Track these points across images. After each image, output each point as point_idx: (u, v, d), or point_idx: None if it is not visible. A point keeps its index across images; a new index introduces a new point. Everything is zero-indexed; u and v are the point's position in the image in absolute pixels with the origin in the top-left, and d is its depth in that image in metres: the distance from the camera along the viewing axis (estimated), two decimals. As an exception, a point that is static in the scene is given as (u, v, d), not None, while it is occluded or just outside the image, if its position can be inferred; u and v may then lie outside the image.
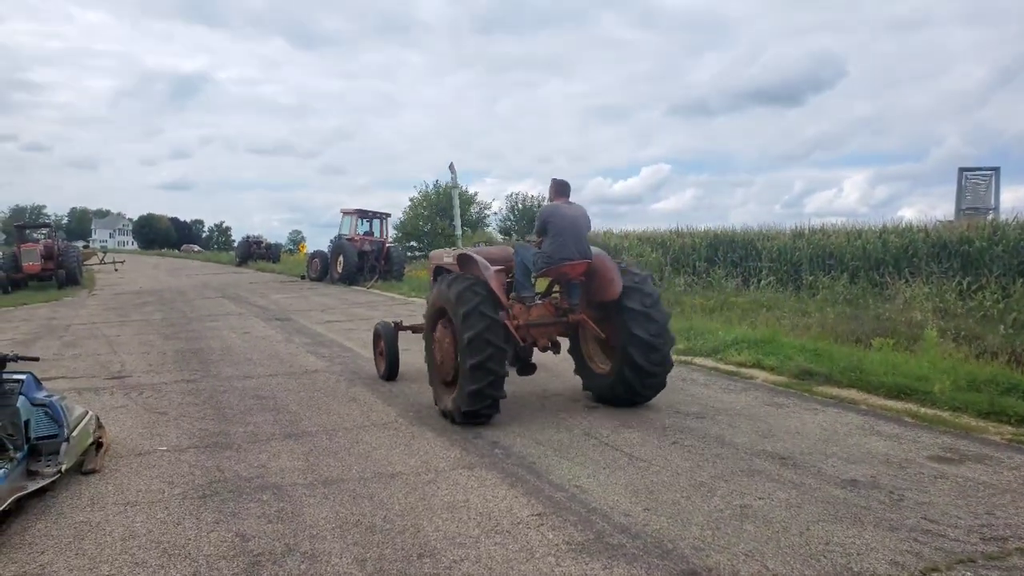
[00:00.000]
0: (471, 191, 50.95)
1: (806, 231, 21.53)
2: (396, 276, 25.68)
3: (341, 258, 25.77)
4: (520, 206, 49.52)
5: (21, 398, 5.08)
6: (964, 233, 17.37)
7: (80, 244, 45.38)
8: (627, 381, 7.03)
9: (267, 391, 8.19)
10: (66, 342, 12.52)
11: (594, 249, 7.24)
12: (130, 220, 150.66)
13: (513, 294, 7.36)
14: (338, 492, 4.92)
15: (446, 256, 8.40)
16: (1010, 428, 6.36)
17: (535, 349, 7.60)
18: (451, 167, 11.89)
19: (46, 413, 5.20)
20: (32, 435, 5.02)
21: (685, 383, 8.47)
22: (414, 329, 8.89)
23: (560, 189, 7.42)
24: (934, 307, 13.97)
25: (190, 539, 4.20)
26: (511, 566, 3.82)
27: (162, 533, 4.29)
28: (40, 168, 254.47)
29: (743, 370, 9.16)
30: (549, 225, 7.04)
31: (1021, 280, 15.20)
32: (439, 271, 8.26)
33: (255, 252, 44.04)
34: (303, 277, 28.92)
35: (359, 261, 25.60)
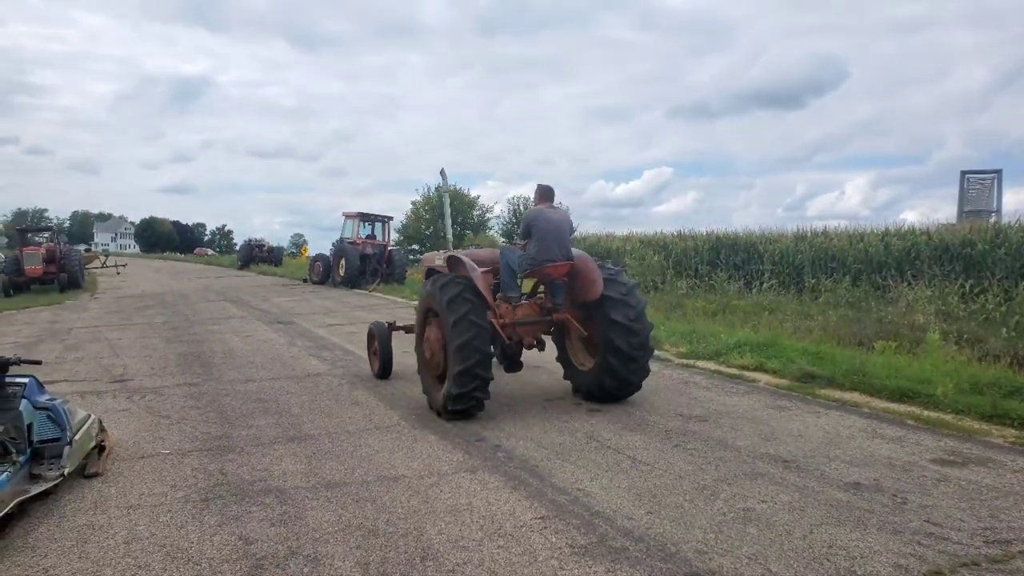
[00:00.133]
0: (473, 194, 51.05)
1: (808, 234, 21.53)
2: (398, 279, 25.70)
3: (343, 261, 25.78)
4: (522, 209, 49.57)
5: (24, 401, 5.08)
6: (966, 236, 17.36)
7: (82, 247, 45.49)
8: (611, 368, 7.29)
9: (269, 394, 8.20)
10: (68, 345, 12.54)
11: (576, 251, 7.55)
12: (132, 223, 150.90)
13: (500, 294, 7.67)
14: (341, 495, 4.92)
15: (437, 258, 8.62)
16: (1013, 431, 6.35)
17: (526, 349, 7.98)
18: (442, 172, 12.20)
19: (49, 417, 5.21)
20: (35, 439, 5.03)
21: (687, 386, 8.47)
22: (407, 329, 9.10)
23: (544, 194, 7.74)
24: (936, 310, 13.96)
25: (193, 542, 4.20)
26: (514, 569, 3.82)
27: (165, 536, 4.29)
28: (42, 171, 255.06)
29: (745, 373, 9.15)
30: (533, 228, 7.34)
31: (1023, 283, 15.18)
32: (431, 272, 8.45)
33: (257, 255, 44.04)
34: (305, 280, 28.93)
35: (361, 264, 25.61)
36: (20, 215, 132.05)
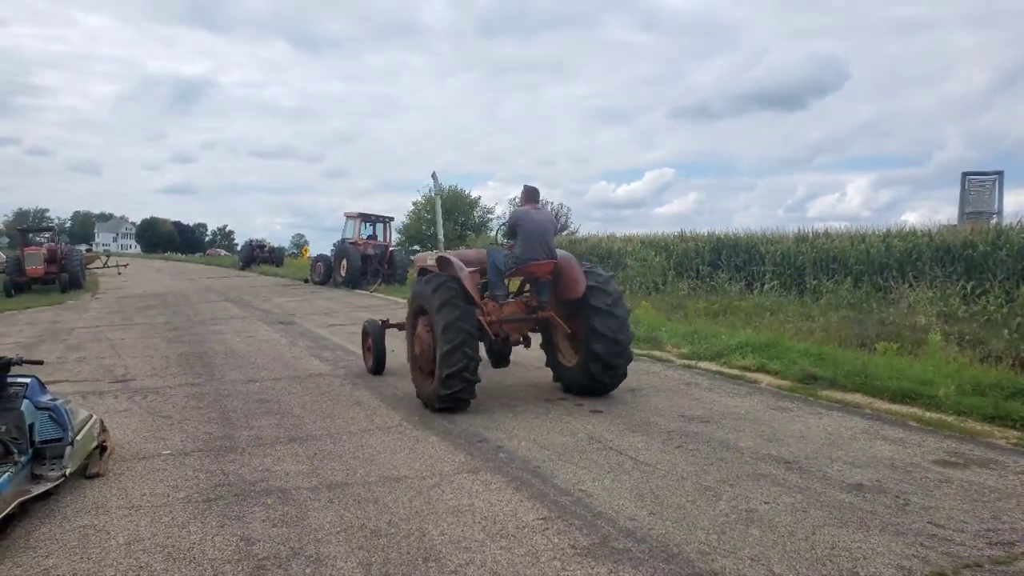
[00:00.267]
0: (474, 195, 51.08)
1: (809, 235, 21.47)
2: (399, 280, 25.71)
3: (344, 262, 25.79)
4: (522, 210, 49.58)
5: (25, 402, 5.08)
6: (968, 237, 17.31)
7: (83, 248, 45.49)
8: (591, 372, 7.64)
9: (271, 395, 8.20)
10: (69, 346, 12.54)
11: (560, 251, 7.85)
12: (133, 224, 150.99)
13: (487, 293, 7.97)
14: (343, 496, 4.92)
15: (429, 258, 8.85)
16: (1015, 432, 6.35)
17: (519, 347, 8.36)
18: (433, 175, 12.47)
19: (50, 417, 5.21)
20: (36, 439, 5.02)
21: (689, 387, 8.47)
22: (400, 326, 9.29)
23: (530, 195, 8.09)
24: (938, 311, 13.93)
25: (195, 543, 4.20)
26: (516, 570, 3.81)
27: (167, 537, 4.29)
28: (43, 172, 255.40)
29: (747, 374, 9.15)
30: (519, 228, 7.65)
31: (1025, 284, 15.15)
32: (423, 272, 8.69)
33: (258, 256, 44.08)
34: (306, 281, 28.95)
35: (362, 265, 25.62)
36: (21, 215, 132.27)
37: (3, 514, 4.22)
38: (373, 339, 9.48)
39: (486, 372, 9.34)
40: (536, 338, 8.48)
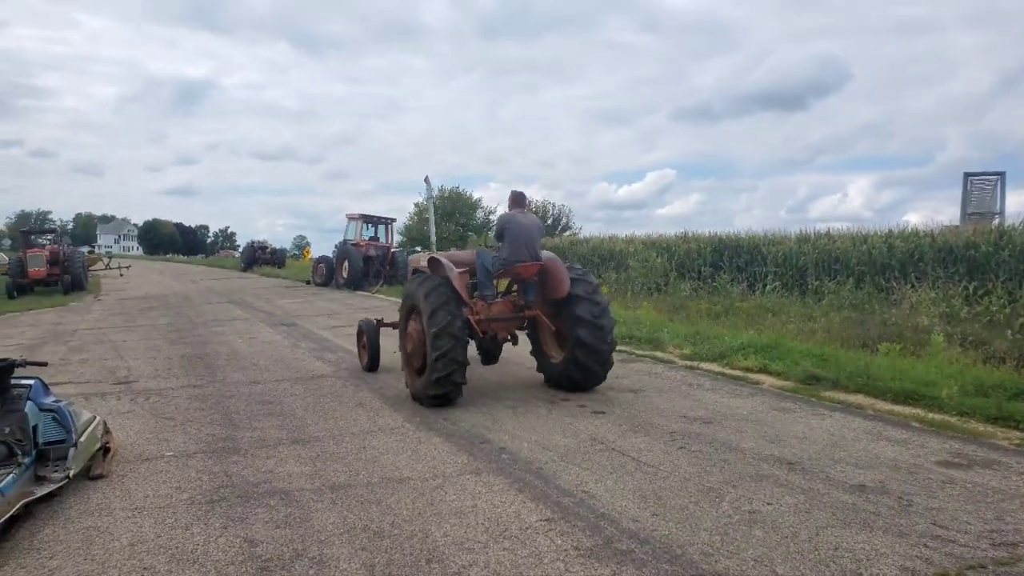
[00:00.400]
0: (476, 196, 51.08)
1: (811, 236, 21.45)
2: (401, 281, 25.67)
3: (346, 263, 25.81)
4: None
5: (29, 403, 5.09)
6: (970, 238, 17.29)
7: (85, 249, 45.56)
8: (577, 360, 7.94)
9: (273, 396, 8.20)
10: (72, 347, 12.56)
11: (546, 253, 8.21)
12: (135, 225, 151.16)
13: (476, 293, 8.33)
14: (346, 497, 4.92)
15: (422, 260, 9.08)
16: (1018, 433, 6.34)
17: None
18: (426, 179, 12.71)
19: (54, 418, 5.22)
20: (40, 440, 5.04)
21: (692, 388, 8.47)
22: (394, 325, 9.34)
23: (516, 200, 8.45)
24: (940, 312, 13.92)
25: (198, 544, 4.20)
26: (520, 571, 3.81)
27: (170, 538, 4.29)
28: (45, 174, 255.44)
29: (749, 375, 9.14)
30: (506, 232, 8.02)
31: (1028, 285, 15.14)
32: (416, 272, 8.85)
33: (260, 257, 44.12)
34: (308, 282, 28.98)
35: (364, 266, 25.65)
36: (24, 217, 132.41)
37: (7, 515, 4.23)
38: (368, 337, 9.77)
39: (488, 373, 9.39)
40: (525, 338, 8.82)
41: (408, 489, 5.07)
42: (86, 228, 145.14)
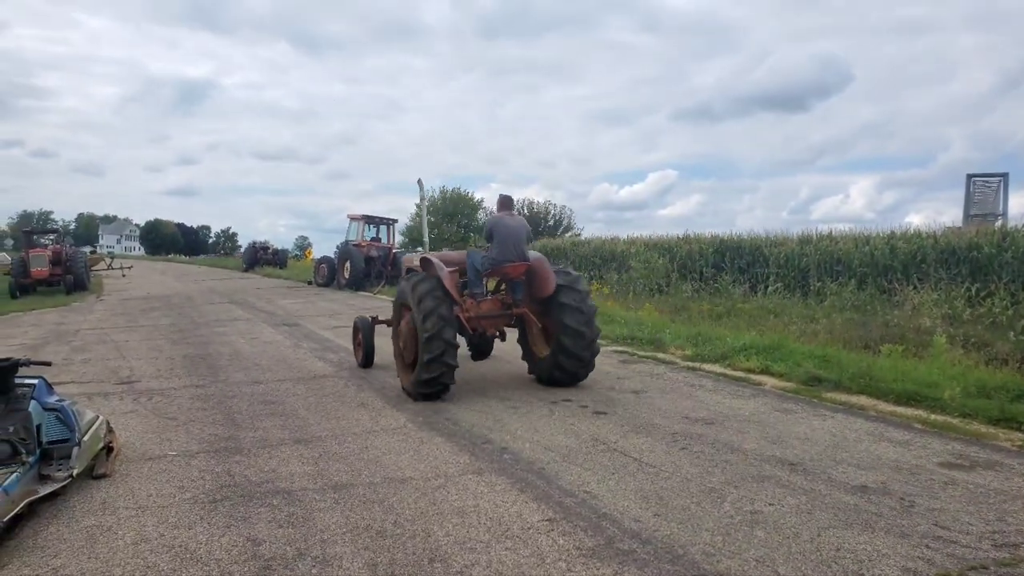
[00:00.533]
0: (477, 196, 51.08)
1: (813, 237, 21.43)
2: (402, 281, 25.71)
3: (348, 264, 25.84)
4: (526, 212, 49.60)
5: (33, 402, 5.11)
6: (973, 239, 17.27)
7: (87, 250, 45.61)
8: (560, 363, 8.32)
9: (276, 396, 8.22)
10: (75, 347, 12.58)
11: (533, 253, 8.58)
12: (137, 226, 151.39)
13: (466, 291, 8.65)
14: (348, 497, 4.94)
15: (415, 259, 9.30)
16: (1020, 435, 6.33)
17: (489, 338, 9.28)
18: (419, 182, 12.78)
19: (58, 418, 5.23)
20: (44, 439, 5.05)
21: (693, 389, 8.47)
22: (388, 323, 9.56)
23: (504, 203, 8.96)
24: (943, 314, 13.90)
25: (201, 543, 4.22)
26: (522, 571, 3.82)
27: (173, 537, 4.31)
28: (47, 174, 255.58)
29: (751, 376, 9.14)
30: (494, 233, 8.39)
31: (1030, 286, 15.13)
32: (410, 272, 9.15)
33: (261, 258, 44.15)
34: (310, 283, 29.01)
35: (366, 267, 25.68)
36: (26, 217, 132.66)
37: (12, 514, 4.25)
38: (363, 334, 10.09)
39: (490, 374, 9.40)
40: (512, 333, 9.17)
41: (410, 489, 5.08)
42: (88, 228, 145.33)
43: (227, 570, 3.88)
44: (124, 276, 37.10)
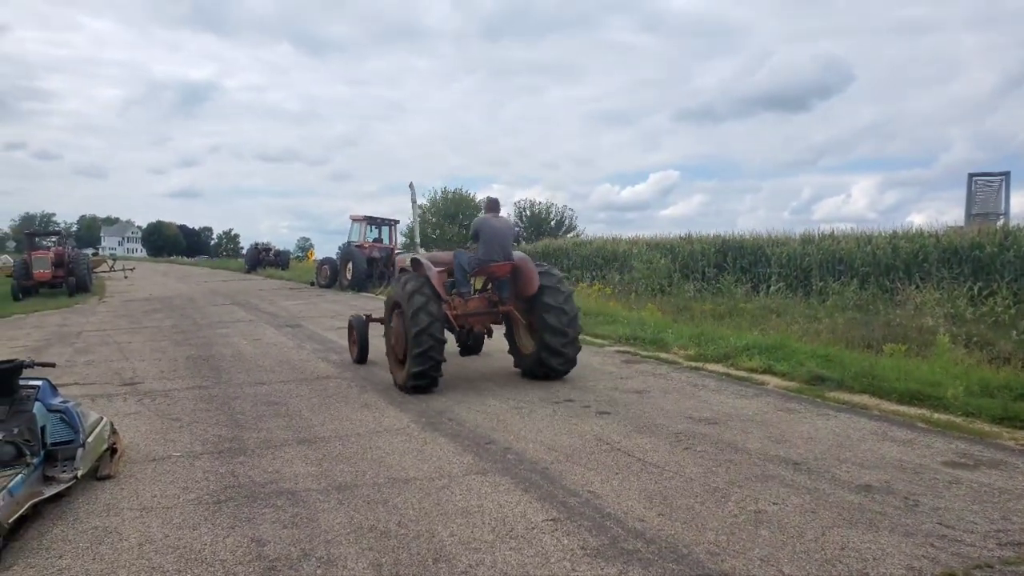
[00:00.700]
0: (479, 198, 51.02)
1: (815, 237, 21.43)
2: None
3: (350, 265, 25.87)
4: (528, 212, 49.63)
5: (37, 404, 5.12)
6: (975, 238, 17.27)
7: (90, 251, 45.67)
8: (544, 360, 8.72)
9: (279, 397, 8.23)
10: (78, 349, 12.60)
11: (518, 254, 8.95)
12: (139, 228, 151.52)
13: (454, 290, 8.98)
14: (352, 497, 4.94)
15: (406, 260, 9.59)
16: (1024, 433, 6.33)
17: (479, 335, 9.80)
18: (411, 186, 13.03)
19: (62, 419, 5.24)
20: (48, 441, 5.06)
21: (696, 389, 8.47)
22: (381, 321, 9.76)
23: (491, 205, 9.37)
24: (945, 313, 13.90)
25: (206, 544, 4.22)
26: (526, 571, 3.82)
27: (178, 538, 4.31)
28: (49, 176, 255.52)
29: (754, 376, 9.14)
30: (481, 234, 8.78)
31: (1033, 285, 15.12)
32: (402, 271, 9.33)
33: (264, 259, 44.17)
34: (312, 284, 29.02)
35: (368, 268, 25.70)
36: (28, 219, 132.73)
37: (16, 515, 4.25)
38: (358, 332, 10.44)
39: (492, 375, 9.41)
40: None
41: (414, 489, 5.09)
42: (90, 230, 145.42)
43: (232, 571, 3.88)
44: (126, 278, 37.14)
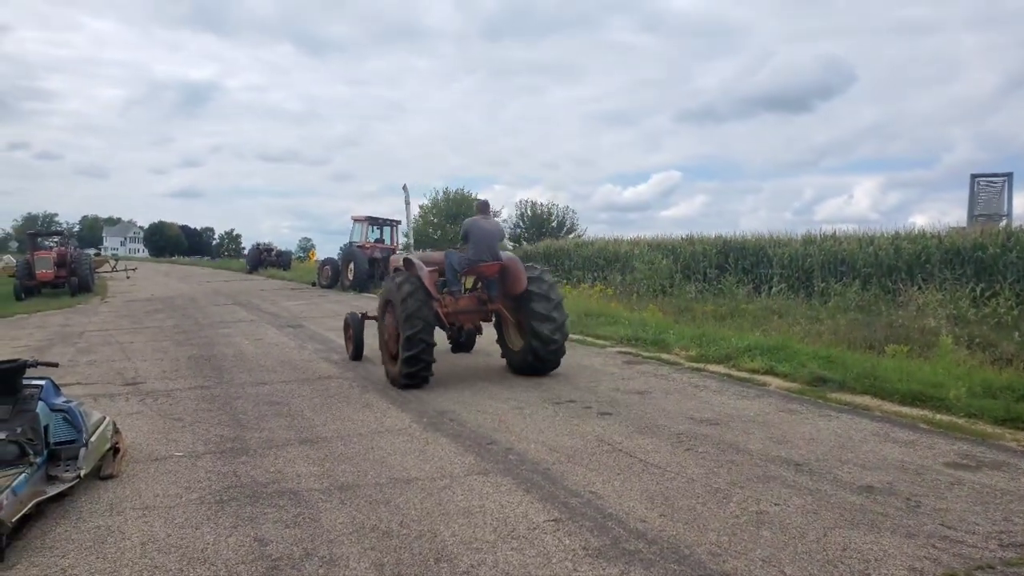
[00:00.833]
0: (480, 198, 51.03)
1: (817, 237, 21.38)
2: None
3: (352, 265, 25.89)
4: (529, 213, 49.59)
5: (40, 403, 5.13)
6: (977, 239, 17.24)
7: (92, 252, 45.68)
8: (534, 349, 9.00)
9: (281, 397, 8.24)
10: (80, 349, 12.62)
11: (506, 254, 9.31)
12: (141, 228, 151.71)
13: (445, 289, 9.30)
14: (354, 497, 4.95)
15: (400, 260, 9.88)
16: (1027, 435, 6.32)
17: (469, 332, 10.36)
18: (404, 187, 13.14)
19: (65, 418, 5.26)
20: (51, 440, 5.07)
21: (698, 390, 8.47)
22: (376, 318, 9.95)
23: (480, 207, 10.06)
24: (948, 314, 13.88)
25: (208, 544, 4.23)
26: (528, 571, 3.83)
27: (181, 538, 4.32)
28: (51, 176, 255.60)
29: (756, 377, 9.14)
30: (470, 235, 9.14)
31: (1035, 286, 15.10)
32: (396, 271, 9.58)
33: (265, 259, 44.20)
34: (314, 284, 29.04)
35: (370, 268, 25.71)
36: (30, 220, 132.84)
37: (20, 514, 4.26)
38: (354, 329, 10.75)
39: (493, 375, 9.41)
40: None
41: (416, 489, 5.09)
42: (92, 230, 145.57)
43: (234, 570, 3.89)
44: (128, 278, 37.16)
